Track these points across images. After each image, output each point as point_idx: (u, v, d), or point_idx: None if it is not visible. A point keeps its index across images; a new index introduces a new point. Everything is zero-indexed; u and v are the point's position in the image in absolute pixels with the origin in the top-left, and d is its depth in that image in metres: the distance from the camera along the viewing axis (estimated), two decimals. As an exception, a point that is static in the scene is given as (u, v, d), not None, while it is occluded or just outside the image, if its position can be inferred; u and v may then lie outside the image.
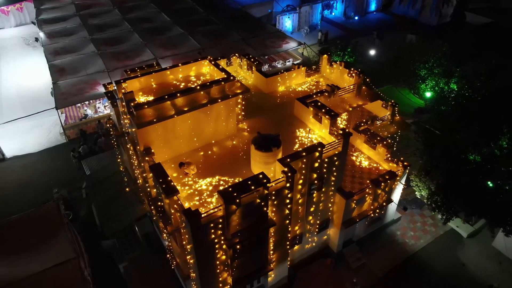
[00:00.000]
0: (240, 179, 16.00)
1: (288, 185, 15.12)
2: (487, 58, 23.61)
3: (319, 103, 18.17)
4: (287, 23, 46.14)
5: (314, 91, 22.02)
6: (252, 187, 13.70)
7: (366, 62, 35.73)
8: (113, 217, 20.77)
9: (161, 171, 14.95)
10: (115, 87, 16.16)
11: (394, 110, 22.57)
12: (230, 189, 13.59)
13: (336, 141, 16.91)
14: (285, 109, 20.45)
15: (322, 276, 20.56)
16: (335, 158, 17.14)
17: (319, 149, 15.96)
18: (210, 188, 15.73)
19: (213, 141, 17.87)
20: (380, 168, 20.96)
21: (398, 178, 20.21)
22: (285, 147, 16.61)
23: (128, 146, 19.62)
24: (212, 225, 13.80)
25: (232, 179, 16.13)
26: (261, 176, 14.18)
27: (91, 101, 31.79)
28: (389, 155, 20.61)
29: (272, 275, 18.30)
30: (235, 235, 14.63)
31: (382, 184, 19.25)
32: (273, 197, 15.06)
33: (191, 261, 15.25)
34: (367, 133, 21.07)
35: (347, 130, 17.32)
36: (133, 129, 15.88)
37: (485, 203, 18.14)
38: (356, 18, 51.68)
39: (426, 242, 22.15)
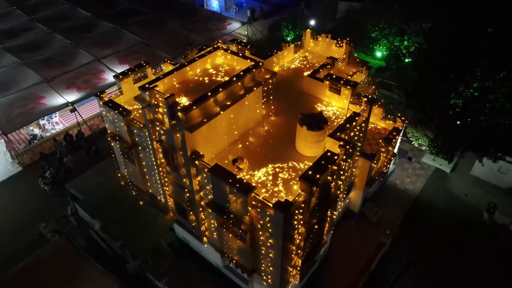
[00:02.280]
0: (294, 162, 16.09)
1: (345, 157, 15.68)
2: (434, 17, 26.60)
3: (334, 76, 18.80)
4: (214, 3, 45.17)
5: (308, 66, 22.60)
6: (329, 166, 13.98)
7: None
8: (138, 235, 19.07)
9: (225, 171, 14.29)
10: (147, 94, 14.55)
11: (369, 73, 24.36)
12: (310, 172, 13.67)
13: (364, 108, 17.85)
14: (291, 87, 20.61)
15: (352, 237, 21.91)
16: (363, 125, 18.15)
17: (356, 118, 16.76)
18: (270, 177, 15.50)
19: (250, 131, 17.41)
20: (378, 127, 22.73)
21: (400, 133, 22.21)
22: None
23: (146, 155, 18.06)
24: (296, 211, 13.82)
25: (285, 164, 16.04)
26: (329, 154, 14.49)
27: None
28: (384, 114, 22.48)
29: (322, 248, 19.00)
30: (311, 216, 14.85)
31: (393, 140, 21.01)
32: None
33: (271, 254, 15.08)
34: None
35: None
36: (178, 134, 14.66)
37: (477, 139, 21.06)
38: (278, -9, 52.54)
39: (422, 184, 24.92)
